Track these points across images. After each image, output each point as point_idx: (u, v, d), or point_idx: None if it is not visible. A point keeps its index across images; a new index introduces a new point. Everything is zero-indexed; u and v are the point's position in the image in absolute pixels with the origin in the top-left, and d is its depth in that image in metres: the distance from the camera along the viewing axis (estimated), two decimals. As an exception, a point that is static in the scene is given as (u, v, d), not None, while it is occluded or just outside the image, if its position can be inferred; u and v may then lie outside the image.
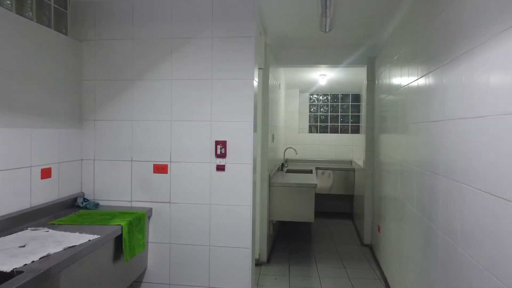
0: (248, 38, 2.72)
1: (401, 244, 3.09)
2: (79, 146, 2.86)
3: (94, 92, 2.87)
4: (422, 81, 2.59)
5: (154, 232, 2.82)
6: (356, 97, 7.19)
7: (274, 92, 4.94)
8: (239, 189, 2.73)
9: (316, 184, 4.36)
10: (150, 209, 2.80)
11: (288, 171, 5.80)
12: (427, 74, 2.46)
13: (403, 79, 3.23)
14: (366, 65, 5.00)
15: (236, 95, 2.75)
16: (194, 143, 2.77)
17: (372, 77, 4.92)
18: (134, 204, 2.83)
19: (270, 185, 4.41)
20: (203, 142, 2.77)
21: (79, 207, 2.72)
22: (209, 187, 2.76)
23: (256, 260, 4.11)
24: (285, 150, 5.93)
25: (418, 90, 2.67)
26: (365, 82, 5.21)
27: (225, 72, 2.75)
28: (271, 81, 4.60)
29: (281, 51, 5.00)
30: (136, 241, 2.46)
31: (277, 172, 5.29)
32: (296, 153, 5.79)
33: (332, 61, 4.98)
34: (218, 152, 2.74)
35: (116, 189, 2.85)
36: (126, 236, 2.31)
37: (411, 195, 2.79)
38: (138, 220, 2.52)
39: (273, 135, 4.76)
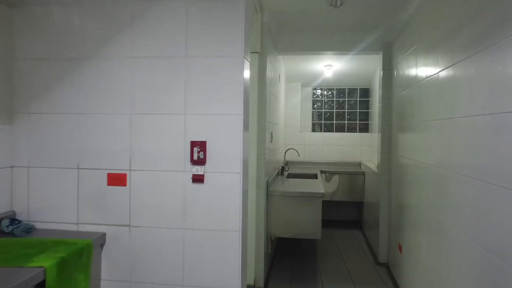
0: (235, 2, 1.98)
1: (438, 274, 2.35)
2: (9, 148, 2.11)
3: (29, 76, 2.12)
4: (461, 67, 1.84)
5: (108, 266, 2.07)
6: (365, 92, 6.44)
7: (273, 84, 4.19)
8: (223, 208, 1.98)
9: (323, 194, 3.62)
10: (103, 235, 2.05)
11: (290, 175, 5.06)
12: (468, 57, 1.71)
13: (430, 67, 2.48)
14: (381, 52, 4.25)
15: (220, 78, 2.01)
16: (162, 144, 2.03)
17: (388, 66, 4.17)
18: (82, 228, 2.09)
19: (268, 194, 3.67)
20: (174, 143, 2.02)
21: (3, 233, 1.97)
22: (182, 205, 2.01)
23: (251, 286, 3.36)
24: (286, 152, 5.19)
25: (456, 78, 1.92)
26: (379, 72, 4.46)
27: (205, 48, 2.00)
28: (270, 70, 3.85)
29: (280, 35, 4.25)
30: (72, 285, 1.72)
31: (276, 177, 4.55)
32: (299, 155, 5.06)
33: (340, 46, 4.24)
34: (195, 157, 1.99)
35: (58, 206, 2.10)
36: (52, 283, 1.57)
37: (457, 216, 2.04)
38: (79, 255, 1.78)
39: (271, 134, 4.01)
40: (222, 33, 1.98)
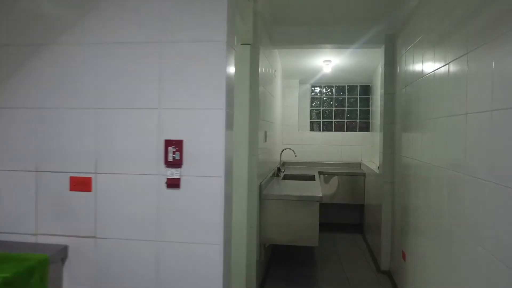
0: (218, -22, 1.71)
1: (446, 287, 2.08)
2: (-42, 148, 1.83)
3: (-19, 65, 1.84)
4: (478, 56, 1.56)
5: (71, 284, 1.79)
6: (365, 89, 6.16)
7: (268, 80, 3.91)
8: (203, 219, 1.71)
9: (321, 197, 3.34)
10: (65, 248, 1.77)
11: (286, 177, 4.78)
12: (486, 44, 1.44)
13: (440, 59, 2.21)
14: (383, 46, 3.98)
15: (199, 67, 1.73)
16: (133, 144, 1.75)
17: (391, 61, 3.90)
18: (41, 239, 1.81)
19: (261, 197, 3.39)
20: (146, 142, 1.74)
21: None
22: (155, 214, 1.74)
23: (241, 299, 3.09)
24: (282, 152, 4.92)
25: (472, 69, 1.64)
26: (381, 68, 4.19)
27: (182, 31, 1.73)
28: (264, 64, 3.57)
29: (276, 27, 3.97)
30: (20, 311, 1.44)
31: (271, 179, 4.27)
32: (295, 155, 4.78)
33: (340, 40, 3.96)
34: (170, 158, 1.71)
35: (12, 215, 1.82)
36: (-12, 311, 1.29)
37: (471, 224, 1.77)
38: (29, 274, 1.50)
39: (265, 133, 3.74)
40: (202, 13, 1.71)
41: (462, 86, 1.98)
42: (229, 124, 1.78)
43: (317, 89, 6.30)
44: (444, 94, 2.30)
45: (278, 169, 4.67)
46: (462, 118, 1.97)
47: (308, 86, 6.25)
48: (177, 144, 1.71)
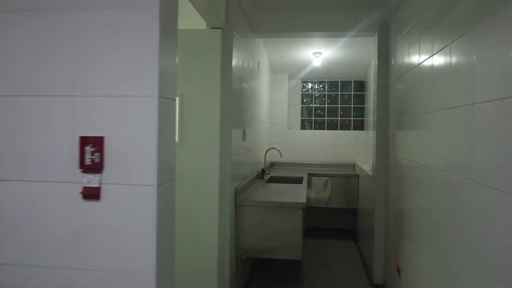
0: None
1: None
2: None
3: None
4: (486, 31, 1.16)
5: (-37, 322, 1.39)
6: (360, 85, 5.76)
7: (249, 72, 3.51)
8: (130, 239, 1.31)
9: (304, 203, 2.94)
10: (-46, 277, 1.37)
11: (271, 179, 4.38)
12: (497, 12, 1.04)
13: (438, 40, 1.81)
14: (376, 34, 3.58)
15: (126, 42, 1.32)
16: (38, 142, 1.35)
17: (384, 50, 3.50)
18: None
19: (237, 204, 2.99)
20: (56, 140, 1.34)
21: None
22: (68, 234, 1.33)
23: (211, 322, 2.69)
24: (267, 152, 4.51)
25: (479, 47, 1.24)
26: (374, 61, 3.79)
27: (104, -5, 1.32)
28: (242, 55, 3.18)
29: (257, 12, 3.57)
30: None
31: (253, 182, 3.87)
32: (281, 156, 4.38)
33: (330, 27, 3.57)
34: (87, 160, 1.31)
35: None
36: None
37: (473, 240, 1.37)
38: None
39: (244, 131, 3.33)
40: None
41: (467, 69, 1.58)
42: (166, 116, 1.37)
43: (309, 86, 5.90)
44: (444, 83, 1.90)
45: (263, 171, 4.27)
46: (466, 110, 1.57)
47: (299, 81, 5.84)
48: (97, 143, 1.30)
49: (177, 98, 2.63)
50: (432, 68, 2.11)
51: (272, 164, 5.54)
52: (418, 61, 2.41)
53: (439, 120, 1.95)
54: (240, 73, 3.12)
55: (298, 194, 3.28)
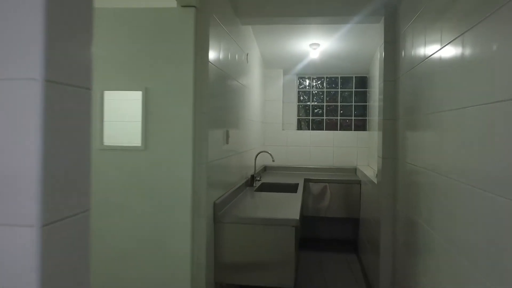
0: None
1: None
2: None
3: None
4: None
5: None
6: (362, 81, 5.26)
7: (235, 64, 3.01)
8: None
9: (297, 221, 2.44)
10: None
11: (262, 187, 3.88)
12: None
13: (461, 20, 1.31)
14: (382, 19, 3.07)
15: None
16: None
17: (392, 37, 2.99)
18: None
19: (216, 220, 2.49)
20: None
21: None
22: None
23: None
24: (257, 156, 4.00)
25: None
26: (379, 52, 3.28)
27: None
28: (225, 42, 2.68)
29: (244, -5, 3.07)
30: None
31: (242, 191, 3.37)
32: (273, 160, 3.88)
33: (328, 11, 3.06)
34: None
35: None
36: None
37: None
38: None
39: (227, 133, 2.83)
40: None
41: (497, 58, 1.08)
42: (62, 111, 0.86)
43: (306, 82, 5.40)
44: (470, 75, 1.39)
45: (252, 177, 3.77)
46: (502, 107, 1.07)
47: (295, 77, 5.34)
48: None
49: (140, 93, 2.14)
50: (455, 53, 1.61)
51: (265, 168, 5.04)
52: (435, 50, 1.90)
53: (467, 119, 1.45)
54: (222, 64, 2.62)
55: (291, 207, 2.78)
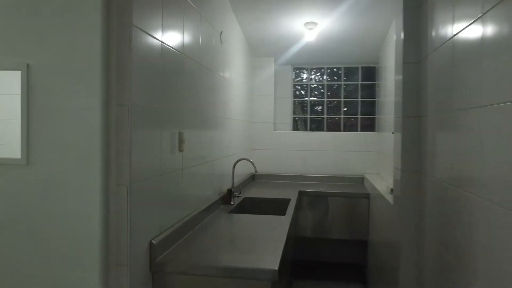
0: None
1: None
2: None
3: None
4: None
5: None
6: (370, 72, 4.40)
7: (197, 42, 2.17)
8: None
9: (275, 272, 1.58)
10: None
11: (242, 205, 3.03)
12: None
13: None
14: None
15: None
16: None
17: (416, 4, 2.13)
18: None
19: (154, 270, 1.64)
20: None
21: None
22: None
23: None
24: (235, 165, 3.12)
25: None
26: (396, 26, 2.42)
27: None
28: (163, 3, 1.84)
29: None
30: None
31: (213, 212, 2.53)
32: (256, 171, 3.00)
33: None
34: None
35: None
36: None
37: None
38: None
39: (179, 135, 1.97)
40: None
41: None
42: None
43: (304, 75, 4.54)
44: None
45: (230, 192, 2.91)
46: None
47: (290, 68, 4.48)
48: None
49: (19, 73, 1.30)
50: None
51: (254, 177, 4.19)
52: (482, 8, 1.05)
53: None
54: (170, 39, 1.78)
55: (272, 243, 1.92)
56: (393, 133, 2.44)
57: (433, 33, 1.85)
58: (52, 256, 1.38)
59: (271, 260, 1.68)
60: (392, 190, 2.54)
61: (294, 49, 3.93)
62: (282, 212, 2.70)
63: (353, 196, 3.65)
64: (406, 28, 2.15)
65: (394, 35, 2.44)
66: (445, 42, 1.64)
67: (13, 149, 1.38)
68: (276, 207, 3.06)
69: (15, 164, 1.38)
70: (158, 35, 1.66)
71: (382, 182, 3.38)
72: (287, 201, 3.07)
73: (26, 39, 1.38)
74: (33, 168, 1.38)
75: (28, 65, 1.37)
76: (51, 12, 1.36)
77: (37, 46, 1.37)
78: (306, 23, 3.32)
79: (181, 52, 1.96)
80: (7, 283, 1.41)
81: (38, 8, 1.37)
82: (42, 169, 1.38)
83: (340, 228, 3.67)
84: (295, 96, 4.56)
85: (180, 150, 1.97)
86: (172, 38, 1.83)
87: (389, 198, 2.62)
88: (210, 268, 1.62)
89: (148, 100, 1.58)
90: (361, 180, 4.11)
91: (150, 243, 1.63)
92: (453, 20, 1.55)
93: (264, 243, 1.96)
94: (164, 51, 1.74)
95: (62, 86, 1.37)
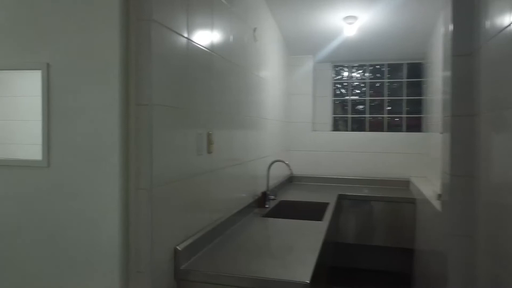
0: None
1: None
2: None
3: None
4: None
5: None
6: (416, 69, 4.12)
7: (223, 38, 2.08)
8: None
9: (306, 284, 1.45)
10: None
11: (277, 208, 2.91)
12: None
13: None
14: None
15: None
16: None
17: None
18: None
19: (178, 278, 1.56)
20: None
21: None
22: None
23: None
24: (270, 167, 3.00)
25: None
26: (444, 15, 2.20)
27: None
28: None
29: None
30: None
31: (245, 216, 2.44)
32: (291, 172, 2.87)
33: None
34: None
35: None
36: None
37: None
38: None
39: (208, 135, 1.88)
40: None
41: None
42: None
43: (345, 72, 4.35)
44: None
45: (264, 195, 2.80)
46: None
47: (329, 65, 4.30)
48: None
49: (39, 73, 1.26)
50: None
51: (291, 180, 4.05)
52: None
53: None
54: (196, 35, 1.70)
55: (305, 252, 1.79)
56: (441, 133, 2.23)
57: (487, 22, 1.64)
58: (70, 261, 1.34)
59: (303, 271, 1.55)
60: (440, 195, 2.32)
61: (333, 45, 3.75)
62: (319, 217, 2.54)
63: (398, 201, 3.42)
64: (456, 18, 1.93)
65: (442, 27, 2.23)
66: (503, 30, 1.44)
67: (32, 151, 1.35)
68: (313, 211, 2.91)
69: (36, 167, 1.35)
70: (182, 31, 1.58)
71: (430, 186, 3.13)
72: (325, 205, 2.92)
73: (44, 37, 1.34)
74: (53, 171, 1.35)
75: (48, 65, 1.33)
76: (68, 7, 1.31)
77: (55, 44, 1.33)
78: (346, 17, 3.15)
79: (209, 50, 1.87)
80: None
81: (55, 4, 1.33)
82: (61, 172, 1.34)
83: (383, 234, 3.45)
84: (335, 95, 4.38)
85: (209, 151, 1.89)
86: (198, 34, 1.74)
87: (437, 204, 2.40)
88: (237, 279, 1.52)
89: (171, 100, 1.51)
90: (406, 184, 3.85)
91: (175, 249, 1.55)
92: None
93: (297, 251, 1.83)
94: (190, 48, 1.66)
95: (79, 85, 1.32)
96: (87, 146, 1.32)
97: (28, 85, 1.37)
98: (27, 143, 1.38)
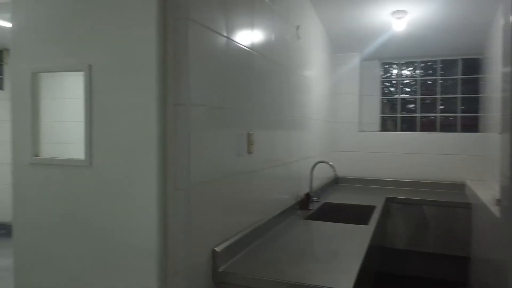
0: None
1: None
2: None
3: None
4: None
5: None
6: (473, 64, 3.86)
7: (265, 37, 2.05)
8: None
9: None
10: None
11: (321, 211, 2.82)
12: None
13: None
14: None
15: None
16: None
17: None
18: None
19: (217, 281, 1.54)
20: None
21: None
22: None
23: None
24: (313, 168, 2.92)
25: None
26: (504, 7, 2.03)
27: None
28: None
29: None
30: None
31: (287, 218, 2.40)
32: (335, 173, 2.77)
33: None
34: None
35: None
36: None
37: None
38: None
39: (249, 136, 1.86)
40: None
41: None
42: None
43: (394, 70, 4.17)
44: None
45: (308, 197, 2.74)
46: None
47: (377, 63, 4.14)
48: None
49: (82, 74, 1.30)
50: None
51: (337, 181, 3.94)
52: None
53: None
54: (234, 33, 1.68)
55: (348, 257, 1.72)
56: (500, 133, 2.05)
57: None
58: (108, 261, 1.36)
59: (345, 279, 1.47)
60: (498, 200, 2.14)
61: (381, 41, 3.59)
62: (365, 220, 2.44)
63: (451, 205, 3.21)
64: (518, 6, 1.77)
65: (502, 19, 2.05)
66: None
67: (75, 150, 1.39)
68: (358, 214, 2.80)
69: (79, 166, 1.38)
70: (221, 29, 1.57)
71: (487, 190, 2.91)
72: (372, 208, 2.79)
73: (85, 39, 1.37)
74: (95, 170, 1.38)
75: (90, 66, 1.36)
76: (106, 8, 1.34)
77: (96, 46, 1.36)
78: (394, 12, 3.00)
79: (250, 48, 1.85)
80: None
81: (94, 7, 1.36)
82: (102, 171, 1.37)
83: (435, 240, 3.26)
84: (383, 93, 4.20)
85: (249, 152, 1.86)
86: (238, 33, 1.72)
87: (495, 209, 2.22)
88: (276, 283, 1.47)
89: (210, 99, 1.49)
90: (461, 187, 3.61)
91: (213, 251, 1.54)
92: None
93: (340, 257, 1.76)
94: (230, 47, 1.64)
95: (117, 85, 1.34)
96: (126, 146, 1.33)
97: (70, 88, 1.41)
98: (73, 143, 1.42)
